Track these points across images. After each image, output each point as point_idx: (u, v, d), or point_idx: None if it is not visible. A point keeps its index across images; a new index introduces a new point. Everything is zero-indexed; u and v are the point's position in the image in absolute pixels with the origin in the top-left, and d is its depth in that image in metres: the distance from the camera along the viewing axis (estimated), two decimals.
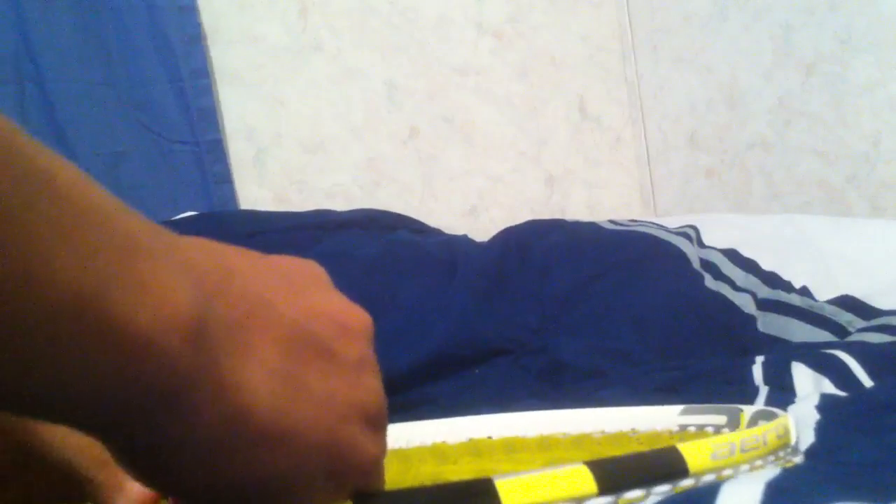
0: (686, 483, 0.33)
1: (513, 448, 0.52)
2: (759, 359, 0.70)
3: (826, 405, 0.50)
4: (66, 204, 0.19)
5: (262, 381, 0.24)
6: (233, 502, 0.25)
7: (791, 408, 0.51)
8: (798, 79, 1.45)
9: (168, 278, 0.21)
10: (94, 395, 0.20)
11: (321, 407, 0.26)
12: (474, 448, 0.53)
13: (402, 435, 0.54)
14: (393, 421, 0.58)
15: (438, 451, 0.53)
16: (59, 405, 0.20)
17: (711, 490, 0.30)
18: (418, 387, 0.86)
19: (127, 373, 0.20)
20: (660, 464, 0.33)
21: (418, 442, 0.54)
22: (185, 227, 1.13)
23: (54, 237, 0.18)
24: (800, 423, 0.48)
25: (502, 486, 0.29)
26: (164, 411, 0.22)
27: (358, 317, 0.29)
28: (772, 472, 0.31)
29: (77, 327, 0.19)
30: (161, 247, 0.22)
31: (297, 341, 0.26)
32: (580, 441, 0.51)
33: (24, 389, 0.19)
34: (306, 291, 0.28)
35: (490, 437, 0.54)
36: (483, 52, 1.68)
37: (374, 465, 0.28)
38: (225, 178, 1.44)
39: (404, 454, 0.53)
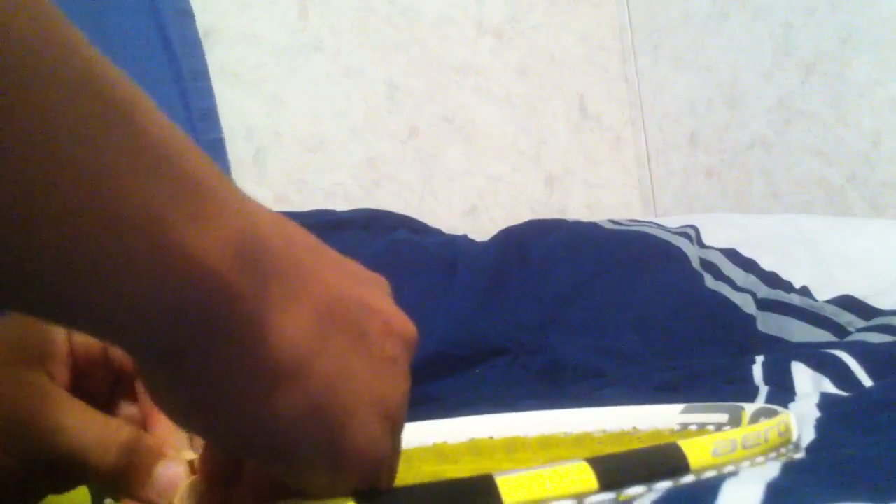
0: (687, 479, 0.33)
1: (514, 447, 0.52)
2: (759, 358, 0.70)
3: (826, 403, 0.50)
4: (141, 132, 0.20)
5: (303, 326, 0.25)
6: (256, 447, 0.25)
7: (791, 406, 0.52)
8: (798, 78, 1.45)
9: (227, 209, 0.23)
10: (152, 311, 0.21)
11: (344, 378, 0.26)
12: (475, 448, 0.53)
13: (403, 435, 0.54)
14: None
15: (439, 451, 0.53)
16: (120, 319, 0.21)
17: (712, 490, 0.30)
18: (418, 386, 0.86)
19: (184, 291, 0.21)
20: (661, 460, 0.33)
21: (418, 442, 0.54)
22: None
23: (126, 160, 0.20)
24: (800, 420, 0.48)
25: (503, 482, 0.29)
26: (214, 333, 0.22)
27: (405, 324, 0.29)
28: (772, 471, 0.31)
29: (140, 244, 0.20)
30: (223, 184, 0.23)
31: (337, 313, 0.26)
32: (581, 440, 0.51)
33: (91, 301, 0.20)
34: (363, 285, 0.29)
35: (491, 437, 0.54)
36: (483, 52, 1.68)
37: (381, 463, 0.28)
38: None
39: (405, 454, 0.53)
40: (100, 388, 0.37)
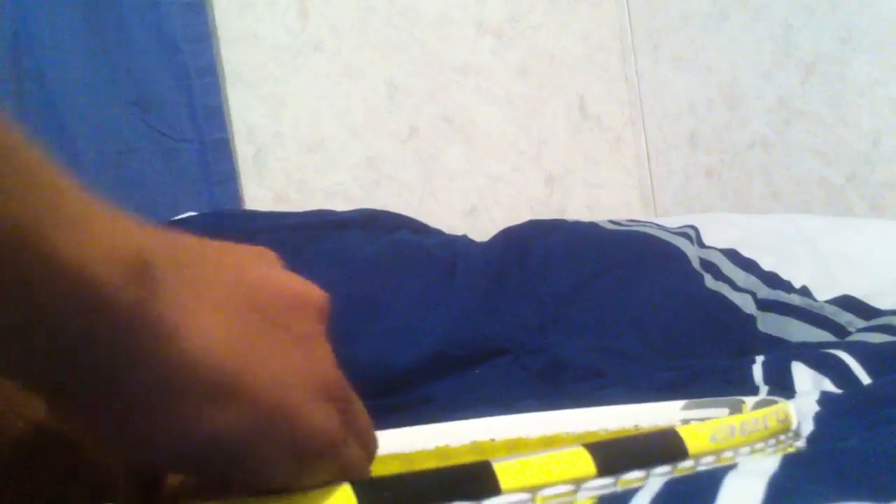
0: (686, 465, 0.33)
1: (516, 448, 0.52)
2: (760, 358, 0.70)
3: (826, 400, 0.50)
4: (4, 153, 0.19)
5: (213, 330, 0.24)
6: (186, 463, 0.24)
7: (791, 403, 0.52)
8: (798, 78, 1.45)
9: (107, 220, 0.22)
10: (37, 334, 0.20)
11: (273, 369, 0.25)
12: (477, 449, 0.53)
13: (405, 440, 0.54)
14: (393, 420, 0.59)
15: (441, 453, 0.53)
16: (15, 352, 0.20)
17: (713, 485, 0.30)
18: (418, 386, 0.86)
19: (67, 308, 0.20)
20: (659, 446, 0.33)
21: (421, 445, 0.54)
22: (185, 227, 1.12)
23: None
24: (800, 416, 0.48)
25: (500, 468, 0.29)
26: (108, 350, 0.21)
27: (309, 293, 0.28)
28: (773, 466, 0.31)
29: (17, 260, 0.19)
30: (101, 205, 0.22)
31: (245, 304, 0.25)
32: (583, 439, 0.51)
33: None
34: (255, 266, 0.27)
35: (493, 440, 0.54)
36: (483, 52, 1.68)
37: (337, 443, 0.27)
38: (229, 177, 1.44)
39: (406, 457, 0.53)
40: None
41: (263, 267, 0.28)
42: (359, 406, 0.30)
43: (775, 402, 0.42)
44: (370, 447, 0.31)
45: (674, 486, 0.31)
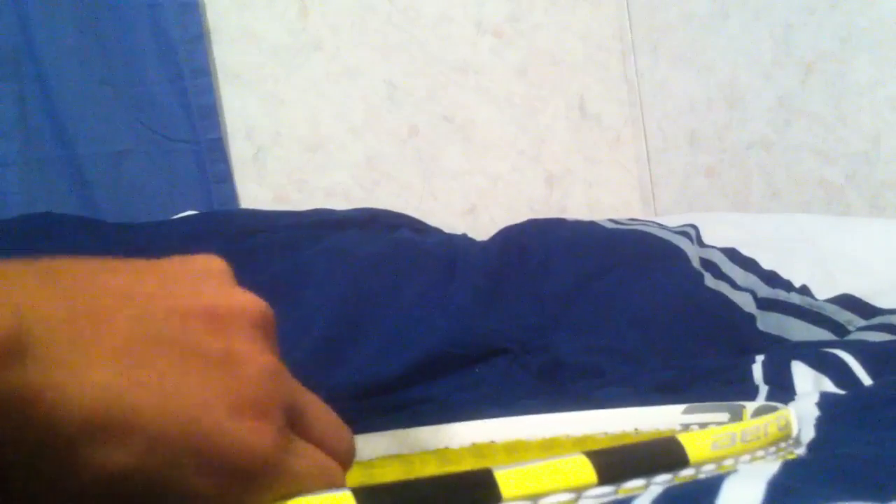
0: (687, 473, 0.33)
1: (516, 450, 0.52)
2: (759, 358, 0.70)
3: (826, 402, 0.50)
4: None
5: (98, 376, 0.23)
6: None
7: (791, 405, 0.52)
8: (798, 78, 1.45)
9: None
10: None
11: (178, 398, 0.24)
12: (477, 452, 0.53)
13: (404, 442, 0.54)
14: (392, 420, 0.59)
15: (441, 456, 0.53)
16: None
17: (712, 489, 0.30)
18: (418, 385, 0.86)
19: None
20: (660, 454, 0.33)
21: (420, 447, 0.54)
22: (184, 226, 1.13)
23: None
24: (800, 419, 0.48)
25: (501, 476, 0.28)
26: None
27: (233, 307, 0.27)
28: (773, 469, 0.31)
29: None
30: None
31: (147, 337, 0.25)
32: (583, 442, 0.51)
33: None
34: (178, 287, 0.27)
35: (493, 442, 0.54)
36: (483, 51, 1.68)
37: (267, 463, 0.26)
38: (225, 178, 1.44)
39: (406, 459, 0.53)
40: None
41: (188, 287, 0.27)
42: (317, 411, 0.30)
43: (776, 409, 0.42)
44: (340, 450, 0.30)
45: (673, 490, 0.31)
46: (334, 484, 0.29)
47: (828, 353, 0.67)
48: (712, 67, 1.61)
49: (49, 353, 0.23)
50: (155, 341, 0.25)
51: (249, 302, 0.28)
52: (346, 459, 0.30)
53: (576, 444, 0.51)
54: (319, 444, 0.29)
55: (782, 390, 0.61)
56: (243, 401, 0.26)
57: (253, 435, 0.26)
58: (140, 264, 0.27)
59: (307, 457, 0.28)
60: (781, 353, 0.71)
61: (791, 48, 1.45)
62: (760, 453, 0.36)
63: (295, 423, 0.28)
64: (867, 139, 1.35)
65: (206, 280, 0.28)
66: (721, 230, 1.17)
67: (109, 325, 0.24)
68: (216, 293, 0.27)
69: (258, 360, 0.27)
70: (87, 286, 0.25)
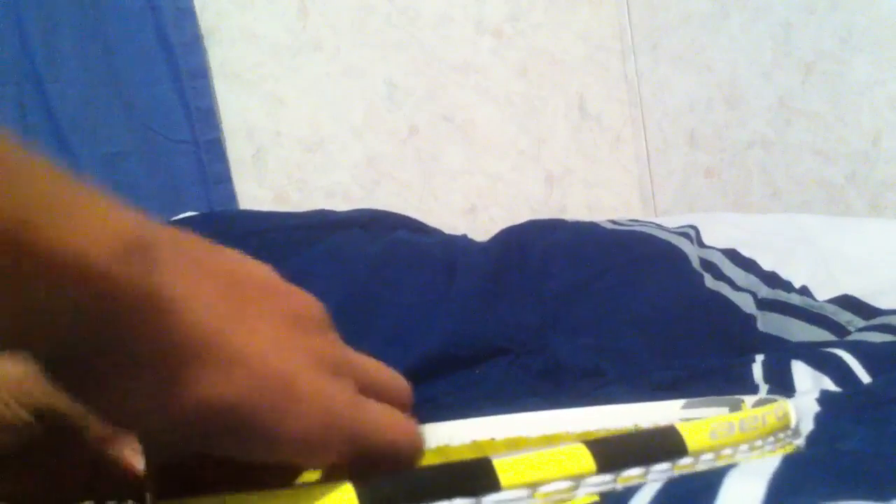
0: (685, 462, 0.33)
1: (516, 447, 0.52)
2: (759, 357, 0.70)
3: (826, 399, 0.50)
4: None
5: (211, 302, 0.25)
6: (197, 434, 0.25)
7: (791, 400, 0.52)
8: (798, 77, 1.45)
9: (102, 204, 0.23)
10: (37, 318, 0.21)
11: (270, 341, 0.26)
12: (478, 449, 0.53)
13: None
14: None
15: (441, 453, 0.53)
16: (18, 324, 0.21)
17: (712, 486, 0.30)
18: (419, 385, 0.86)
19: (66, 290, 0.21)
20: (659, 442, 0.33)
21: None
22: (184, 228, 1.12)
23: None
24: (800, 414, 0.48)
25: (500, 464, 0.29)
26: (109, 323, 0.22)
27: (306, 299, 0.29)
28: (774, 466, 0.31)
29: (12, 251, 0.20)
30: (94, 189, 0.23)
31: (242, 286, 0.27)
32: (583, 438, 0.51)
33: None
34: (255, 263, 0.29)
35: (493, 439, 0.54)
36: (483, 51, 1.68)
37: (348, 412, 0.27)
38: (224, 178, 1.44)
39: None
40: None
41: (263, 269, 0.29)
42: (375, 370, 0.31)
43: (774, 401, 0.42)
44: (402, 400, 0.31)
45: (673, 486, 0.31)
46: (416, 433, 0.30)
47: (828, 352, 0.67)
48: (712, 67, 1.61)
49: (175, 267, 0.24)
50: (255, 294, 0.27)
51: (317, 301, 0.30)
52: (407, 407, 0.32)
53: (576, 440, 0.51)
54: (382, 399, 0.30)
55: (782, 389, 0.61)
56: (323, 360, 0.28)
57: (335, 389, 0.27)
58: (197, 237, 0.28)
59: (381, 413, 0.29)
60: (781, 353, 0.71)
61: (791, 48, 1.45)
62: (759, 443, 0.36)
63: (366, 388, 0.29)
64: (867, 139, 1.35)
65: (277, 276, 0.30)
66: (721, 230, 1.17)
67: (213, 267, 0.26)
68: (291, 287, 0.29)
69: (328, 334, 0.29)
70: (185, 234, 0.27)
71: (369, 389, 0.29)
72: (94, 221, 0.22)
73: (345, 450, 0.27)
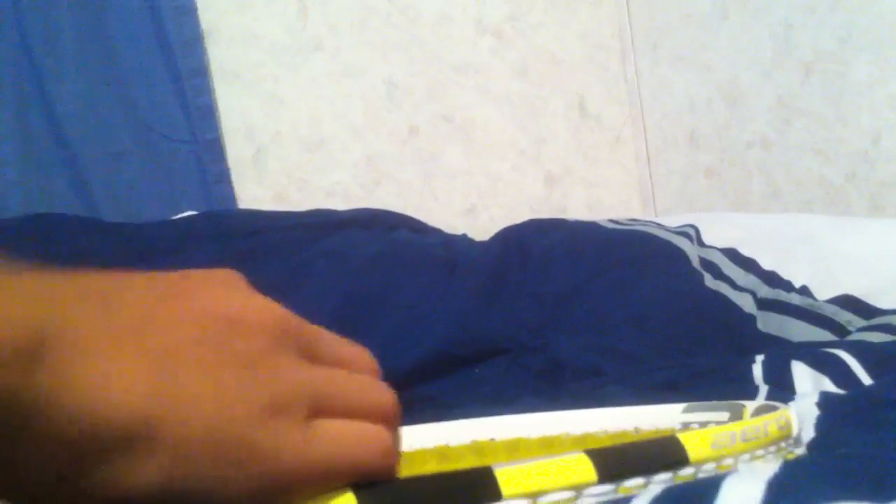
0: (686, 472, 0.33)
1: (516, 448, 0.52)
2: (759, 357, 0.70)
3: (826, 402, 0.50)
4: None
5: (124, 382, 0.23)
6: None
7: (791, 404, 0.51)
8: (798, 77, 1.45)
9: None
10: None
11: (194, 404, 0.24)
12: (477, 449, 0.53)
13: (405, 439, 0.54)
14: None
15: (441, 453, 0.53)
16: None
17: (711, 489, 0.30)
18: (419, 385, 0.86)
19: None
20: (660, 452, 0.33)
21: (420, 445, 0.54)
22: (183, 227, 1.12)
23: None
24: (800, 418, 0.48)
25: (502, 474, 0.29)
26: (4, 434, 0.21)
27: (258, 312, 0.27)
28: (773, 469, 0.31)
29: None
30: None
31: (170, 342, 0.24)
32: (583, 440, 0.51)
33: None
34: (198, 295, 0.26)
35: (493, 439, 0.54)
36: (483, 51, 1.68)
37: (292, 460, 0.26)
38: (223, 178, 1.44)
39: (406, 455, 0.52)
40: None
41: (207, 294, 0.27)
42: (343, 385, 0.29)
43: (776, 409, 0.42)
44: (379, 410, 0.30)
45: (672, 489, 0.31)
46: (384, 443, 0.29)
47: (828, 353, 0.66)
48: (712, 67, 1.61)
49: (70, 359, 0.22)
50: (176, 348, 0.24)
51: (270, 308, 0.28)
52: (390, 415, 0.30)
53: (576, 442, 0.51)
54: (357, 414, 0.29)
55: (782, 390, 0.60)
56: (267, 401, 0.26)
57: (276, 437, 0.25)
58: (162, 274, 0.26)
59: (342, 436, 0.28)
60: (781, 353, 0.70)
61: (791, 48, 1.45)
62: (760, 452, 0.36)
63: (323, 407, 0.28)
64: (867, 139, 1.35)
65: (226, 288, 0.28)
66: (721, 230, 1.17)
67: (134, 333, 0.24)
68: (237, 299, 0.27)
69: (278, 359, 0.27)
70: (111, 295, 0.25)
71: (336, 410, 0.28)
72: None
73: (301, 491, 0.26)
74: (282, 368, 0.27)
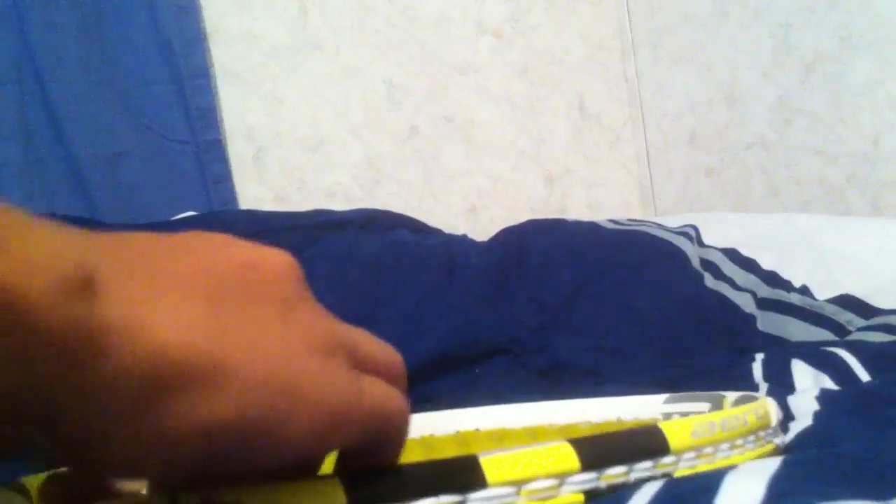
0: (667, 460, 0.33)
1: (500, 439, 0.53)
2: (759, 356, 0.70)
3: (825, 397, 0.50)
4: None
5: (182, 320, 0.23)
6: (202, 464, 0.23)
7: (790, 399, 0.52)
8: (798, 78, 1.45)
9: (36, 238, 0.20)
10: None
11: (256, 341, 0.24)
12: (462, 439, 0.54)
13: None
14: None
15: (426, 443, 0.53)
16: None
17: (712, 486, 0.30)
18: (418, 385, 0.86)
19: (12, 341, 0.19)
20: (642, 441, 0.33)
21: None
22: (184, 227, 1.12)
23: None
24: (798, 411, 0.48)
25: (486, 462, 0.29)
26: (61, 370, 0.20)
27: (277, 257, 0.27)
28: (774, 467, 0.31)
29: None
30: (26, 218, 0.20)
31: (209, 287, 0.24)
32: (567, 431, 0.52)
33: None
34: (213, 247, 0.27)
35: (477, 430, 0.55)
36: (483, 51, 1.68)
37: (348, 397, 0.26)
38: (224, 178, 1.44)
39: None
40: None
41: (220, 246, 0.27)
42: (367, 344, 0.30)
43: (755, 399, 0.42)
44: (396, 375, 0.30)
45: (673, 486, 0.31)
46: (401, 407, 0.29)
47: (828, 351, 0.67)
48: (712, 67, 1.61)
49: (125, 291, 0.22)
50: (217, 290, 0.24)
51: (282, 254, 0.28)
52: (402, 382, 0.31)
53: (560, 432, 0.52)
54: (380, 374, 0.29)
55: (782, 388, 0.61)
56: (314, 342, 0.26)
57: (332, 373, 0.26)
58: (158, 235, 0.26)
59: (375, 388, 0.28)
60: (781, 352, 0.71)
61: (791, 48, 1.45)
62: (740, 442, 0.37)
63: (357, 359, 0.28)
64: (867, 139, 1.35)
65: (235, 242, 0.28)
66: (721, 230, 1.17)
67: (173, 279, 0.24)
68: (252, 248, 0.27)
69: (310, 304, 0.27)
70: (147, 245, 0.25)
71: (361, 363, 0.28)
72: (26, 258, 0.19)
73: (350, 435, 0.26)
74: (317, 314, 0.27)
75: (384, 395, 0.28)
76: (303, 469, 0.28)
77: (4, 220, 0.19)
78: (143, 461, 0.23)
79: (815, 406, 0.48)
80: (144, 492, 0.28)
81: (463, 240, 1.21)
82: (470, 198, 1.67)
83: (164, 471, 0.23)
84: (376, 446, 0.29)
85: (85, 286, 0.20)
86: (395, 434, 0.29)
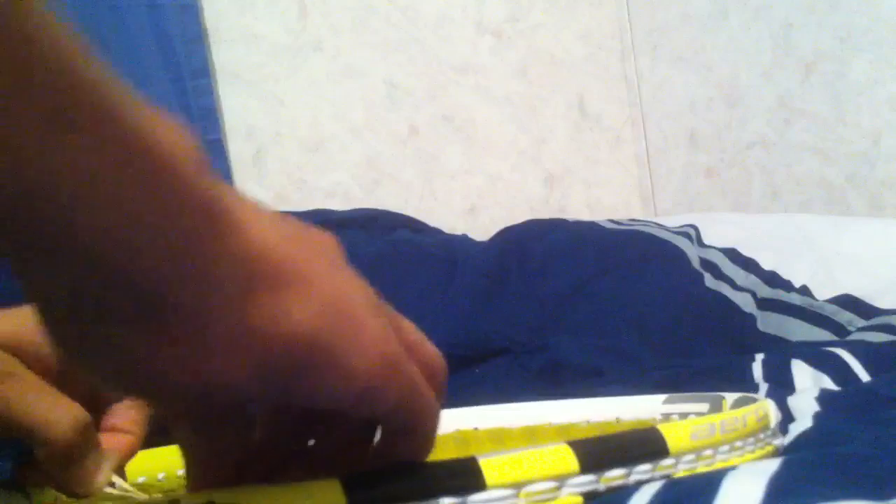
0: (666, 462, 0.33)
1: (499, 438, 0.53)
2: (759, 356, 0.70)
3: (825, 397, 0.50)
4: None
5: (271, 227, 0.24)
6: (278, 376, 0.24)
7: (790, 399, 0.52)
8: (798, 77, 1.45)
9: (174, 125, 0.22)
10: (125, 223, 0.20)
11: (327, 271, 0.26)
12: (460, 438, 0.54)
13: None
14: None
15: None
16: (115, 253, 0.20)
17: (712, 486, 0.30)
18: None
19: (168, 204, 0.20)
20: (641, 443, 0.33)
21: None
22: None
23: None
24: (798, 412, 0.48)
25: (486, 464, 0.29)
26: (200, 242, 0.21)
27: (323, 233, 0.28)
28: (774, 467, 0.31)
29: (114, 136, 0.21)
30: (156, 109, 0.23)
31: (289, 231, 0.26)
32: (565, 430, 0.52)
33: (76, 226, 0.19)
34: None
35: (476, 429, 0.55)
36: (483, 51, 1.68)
37: (397, 356, 0.27)
38: (224, 178, 1.44)
39: None
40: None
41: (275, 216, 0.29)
42: (415, 336, 0.31)
43: (754, 401, 0.42)
44: (437, 369, 0.31)
45: (672, 486, 0.31)
46: (433, 404, 0.29)
47: (828, 352, 0.67)
48: (712, 67, 1.61)
49: (230, 192, 0.23)
50: (297, 229, 0.26)
51: (328, 232, 0.29)
52: (439, 388, 0.31)
53: (558, 431, 0.52)
54: (418, 363, 0.29)
55: (782, 388, 0.61)
56: (369, 297, 0.27)
57: (384, 328, 0.27)
58: None
59: (414, 369, 0.29)
60: (781, 352, 0.71)
61: (791, 48, 1.45)
62: (739, 444, 0.37)
63: (398, 336, 0.28)
64: (867, 139, 1.35)
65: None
66: (721, 230, 1.17)
67: (260, 208, 0.25)
68: (303, 223, 0.28)
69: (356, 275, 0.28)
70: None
71: (404, 346, 0.29)
72: (167, 129, 0.22)
73: (392, 395, 0.27)
74: (368, 287, 0.28)
75: (420, 381, 0.29)
76: (355, 434, 0.30)
77: (145, 110, 0.22)
78: (232, 358, 0.23)
79: (815, 406, 0.48)
80: (127, 486, 0.28)
81: (463, 239, 1.21)
82: (470, 198, 1.67)
83: (245, 376, 0.23)
84: (406, 434, 0.29)
85: (207, 169, 0.22)
86: (425, 425, 0.29)
